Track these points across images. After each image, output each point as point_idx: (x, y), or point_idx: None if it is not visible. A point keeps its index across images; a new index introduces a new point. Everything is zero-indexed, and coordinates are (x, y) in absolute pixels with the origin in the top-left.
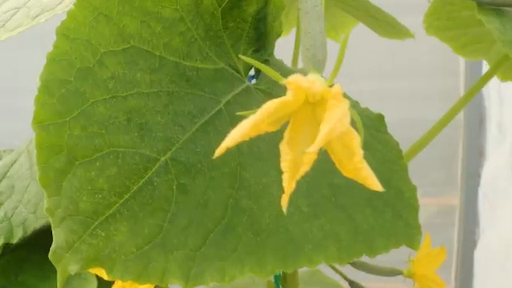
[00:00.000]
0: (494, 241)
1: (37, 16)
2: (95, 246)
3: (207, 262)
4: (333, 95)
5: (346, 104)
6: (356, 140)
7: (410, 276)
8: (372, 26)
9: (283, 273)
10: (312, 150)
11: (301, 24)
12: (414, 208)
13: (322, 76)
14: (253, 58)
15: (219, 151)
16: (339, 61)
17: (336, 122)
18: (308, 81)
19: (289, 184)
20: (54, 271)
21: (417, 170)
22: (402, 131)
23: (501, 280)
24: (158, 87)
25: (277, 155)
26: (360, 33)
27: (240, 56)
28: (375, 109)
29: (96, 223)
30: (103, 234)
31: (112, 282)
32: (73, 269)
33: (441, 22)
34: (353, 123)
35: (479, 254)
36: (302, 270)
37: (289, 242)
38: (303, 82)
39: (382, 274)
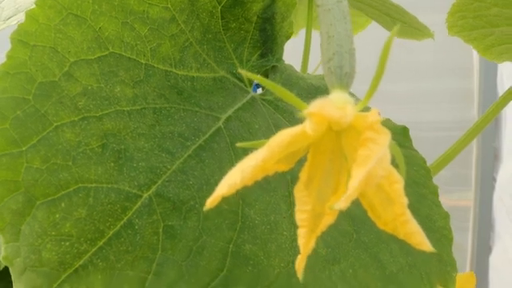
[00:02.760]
0: (511, 246)
1: (9, 18)
2: None
3: None
4: (369, 125)
5: (386, 137)
6: (398, 185)
7: None
8: (387, 25)
9: None
10: (342, 206)
11: (321, 25)
12: (447, 240)
13: (349, 93)
14: (259, 63)
15: (212, 201)
16: (377, 76)
17: (375, 165)
18: (337, 109)
19: (307, 242)
20: None
21: None
22: (414, 133)
23: None
24: (142, 103)
25: (287, 185)
26: (372, 32)
27: (240, 70)
28: (386, 111)
29: (63, 276)
30: None
31: None
32: None
33: (466, 20)
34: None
35: (494, 260)
36: None
37: None
38: (331, 111)
39: None
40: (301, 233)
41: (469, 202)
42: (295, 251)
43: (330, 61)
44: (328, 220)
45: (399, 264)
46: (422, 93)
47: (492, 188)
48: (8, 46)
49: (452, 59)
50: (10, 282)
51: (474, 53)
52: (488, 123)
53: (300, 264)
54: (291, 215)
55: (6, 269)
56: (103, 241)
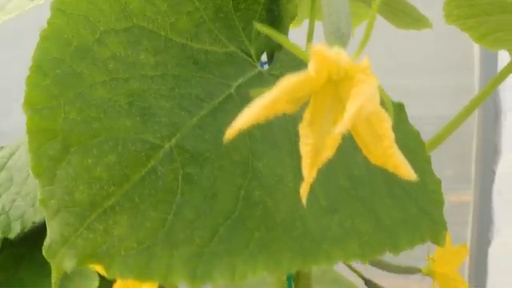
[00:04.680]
0: (510, 239)
1: None
2: (92, 240)
3: (216, 260)
4: (361, 69)
5: (375, 80)
6: (386, 122)
7: (430, 274)
8: (388, 16)
9: (296, 274)
10: (338, 131)
11: (322, 3)
12: (438, 202)
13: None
14: (265, 42)
15: (230, 133)
16: (368, 29)
17: (365, 100)
18: (334, 52)
19: (310, 171)
20: None
21: None
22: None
23: None
24: (163, 69)
25: (292, 142)
26: (374, 28)
27: (256, 26)
28: None
29: (93, 216)
30: (101, 228)
31: (115, 281)
32: (68, 265)
33: (461, 9)
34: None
35: (494, 253)
36: (314, 268)
37: (306, 238)
38: (329, 52)
39: (399, 271)
40: (304, 164)
41: (469, 196)
42: (298, 200)
43: (330, 25)
44: (328, 152)
45: (393, 218)
46: (423, 87)
47: (492, 182)
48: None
49: (453, 55)
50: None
51: (475, 49)
52: (487, 96)
53: (305, 188)
54: (295, 169)
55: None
56: (129, 184)
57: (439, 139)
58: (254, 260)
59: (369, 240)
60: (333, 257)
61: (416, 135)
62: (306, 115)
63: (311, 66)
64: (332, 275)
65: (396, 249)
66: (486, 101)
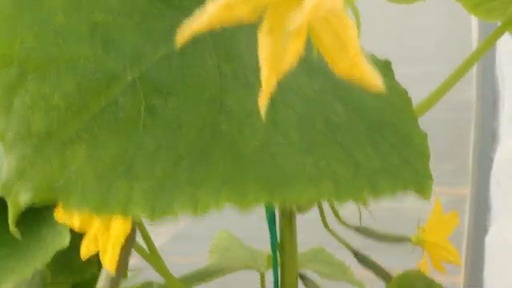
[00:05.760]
0: (507, 227)
1: None
2: (49, 173)
3: (177, 191)
4: None
5: None
6: (350, 30)
7: (419, 243)
8: None
9: (281, 246)
10: (294, 25)
11: None
12: (423, 155)
13: None
14: None
15: (183, 35)
16: None
17: None
18: None
19: (268, 79)
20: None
21: None
22: None
23: None
24: (131, 5)
25: None
26: (372, 18)
27: None
28: None
29: (50, 147)
30: (58, 160)
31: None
32: (24, 198)
33: None
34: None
35: (491, 241)
36: (305, 248)
37: (275, 171)
38: None
39: (389, 240)
40: (263, 72)
41: (466, 184)
42: (269, 137)
43: None
44: (289, 60)
45: (374, 166)
46: (422, 75)
47: (489, 169)
48: None
49: (451, 43)
50: None
51: (473, 37)
52: (484, 53)
53: (262, 99)
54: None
55: None
56: (89, 114)
57: (438, 95)
58: (218, 191)
59: (345, 180)
60: (303, 192)
61: (403, 93)
62: (265, 23)
63: None
64: (323, 256)
65: (376, 193)
66: (485, 88)
